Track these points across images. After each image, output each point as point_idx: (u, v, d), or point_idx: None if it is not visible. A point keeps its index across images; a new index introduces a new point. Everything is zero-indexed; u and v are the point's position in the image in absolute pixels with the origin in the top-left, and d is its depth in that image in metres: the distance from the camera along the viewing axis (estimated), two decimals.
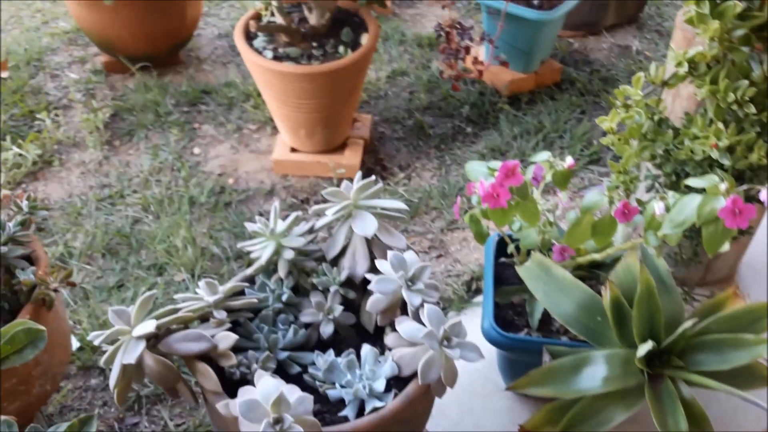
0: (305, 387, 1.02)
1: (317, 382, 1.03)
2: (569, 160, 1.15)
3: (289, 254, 1.12)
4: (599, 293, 1.15)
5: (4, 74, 2.32)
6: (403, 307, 1.09)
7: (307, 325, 1.12)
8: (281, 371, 1.06)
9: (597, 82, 2.33)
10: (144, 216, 1.87)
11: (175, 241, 1.76)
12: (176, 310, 1.00)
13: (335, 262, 1.17)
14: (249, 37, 1.90)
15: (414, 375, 0.99)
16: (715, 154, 1.10)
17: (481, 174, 1.16)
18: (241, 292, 1.11)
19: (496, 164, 1.11)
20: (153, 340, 0.98)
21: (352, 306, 1.15)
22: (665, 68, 1.17)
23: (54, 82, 2.34)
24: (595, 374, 1.07)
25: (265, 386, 0.88)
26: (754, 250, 1.68)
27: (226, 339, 0.99)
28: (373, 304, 1.06)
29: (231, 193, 1.94)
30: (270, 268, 1.16)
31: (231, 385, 0.99)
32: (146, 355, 0.96)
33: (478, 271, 1.72)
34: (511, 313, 1.33)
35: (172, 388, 0.99)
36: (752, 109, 1.09)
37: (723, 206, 0.92)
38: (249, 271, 1.15)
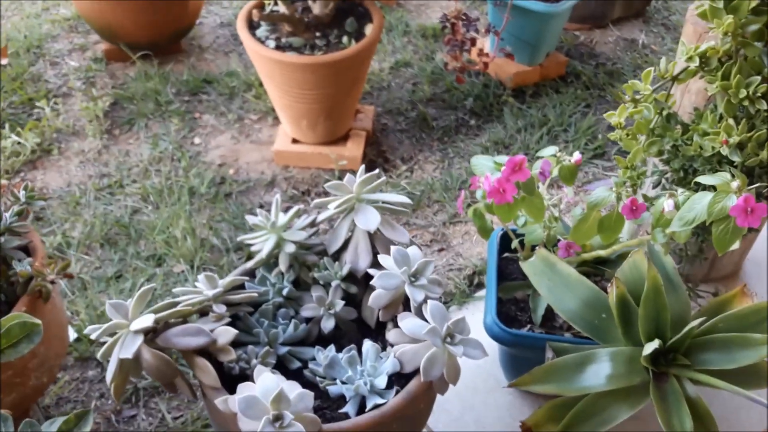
0: (305, 383, 1.01)
1: (318, 378, 1.02)
2: (576, 155, 1.14)
3: (290, 248, 1.10)
4: (604, 290, 1.14)
5: (4, 61, 2.30)
6: (405, 303, 1.07)
7: (307, 320, 1.11)
8: (281, 366, 1.04)
9: (602, 75, 2.30)
10: (143, 206, 1.85)
11: (175, 231, 1.75)
12: (175, 304, 0.98)
13: (337, 256, 1.15)
14: (252, 26, 1.88)
15: (416, 372, 0.98)
16: (725, 151, 1.08)
17: (487, 168, 1.14)
18: (241, 286, 1.10)
19: (503, 159, 1.09)
20: (151, 334, 0.97)
21: (354, 301, 1.13)
22: (675, 63, 1.15)
23: (54, 69, 2.32)
24: (599, 372, 1.06)
25: (265, 382, 0.87)
26: (759, 246, 1.66)
27: (226, 334, 0.98)
28: (375, 299, 1.04)
29: (231, 183, 1.92)
30: (271, 262, 1.14)
31: (230, 379, 0.98)
32: (144, 350, 0.94)
33: (480, 265, 1.71)
34: (513, 308, 1.31)
35: (170, 382, 0.98)
36: (764, 106, 1.07)
37: (735, 204, 0.90)
38: (249, 264, 1.13)
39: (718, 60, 1.13)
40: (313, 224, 1.17)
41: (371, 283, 1.04)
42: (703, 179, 0.97)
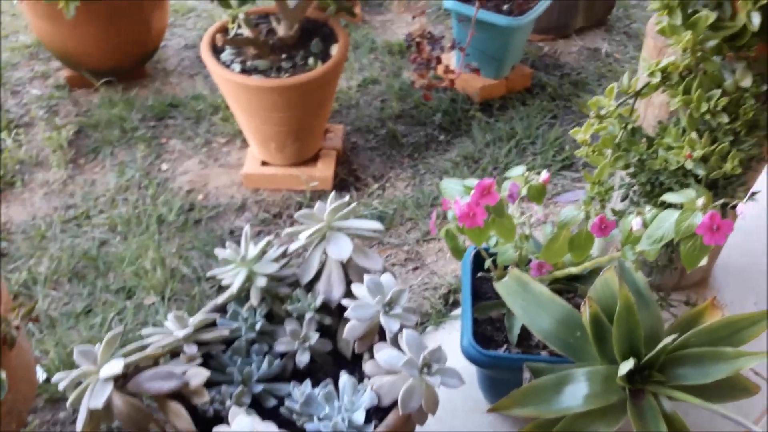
0: (282, 421, 0.99)
1: (294, 415, 1.00)
2: (544, 174, 1.14)
3: (261, 281, 1.08)
4: (577, 306, 1.14)
5: None
6: (381, 332, 1.06)
7: (282, 355, 1.09)
8: (257, 404, 1.02)
9: (567, 86, 2.32)
10: (111, 237, 1.81)
11: (144, 262, 1.71)
12: (144, 347, 0.96)
13: (310, 286, 1.14)
14: (216, 50, 1.86)
15: (394, 404, 0.97)
16: (689, 165, 1.09)
17: (456, 192, 1.14)
18: (212, 323, 1.07)
19: (472, 182, 1.08)
20: (121, 380, 0.94)
21: (329, 332, 1.12)
22: (638, 78, 1.16)
23: (15, 98, 2.27)
24: (576, 392, 1.06)
25: (240, 425, 0.85)
26: (727, 252, 1.69)
27: (198, 375, 0.96)
28: (350, 331, 1.03)
29: (201, 209, 1.89)
30: (242, 296, 1.12)
31: (204, 422, 0.96)
32: (115, 397, 0.92)
33: (455, 283, 1.70)
34: (489, 328, 1.31)
35: (143, 429, 0.95)
36: (725, 119, 1.09)
37: (701, 222, 0.91)
38: (220, 299, 1.11)
39: (679, 75, 1.14)
40: (284, 255, 1.15)
41: (346, 315, 1.03)
42: (669, 197, 0.98)
